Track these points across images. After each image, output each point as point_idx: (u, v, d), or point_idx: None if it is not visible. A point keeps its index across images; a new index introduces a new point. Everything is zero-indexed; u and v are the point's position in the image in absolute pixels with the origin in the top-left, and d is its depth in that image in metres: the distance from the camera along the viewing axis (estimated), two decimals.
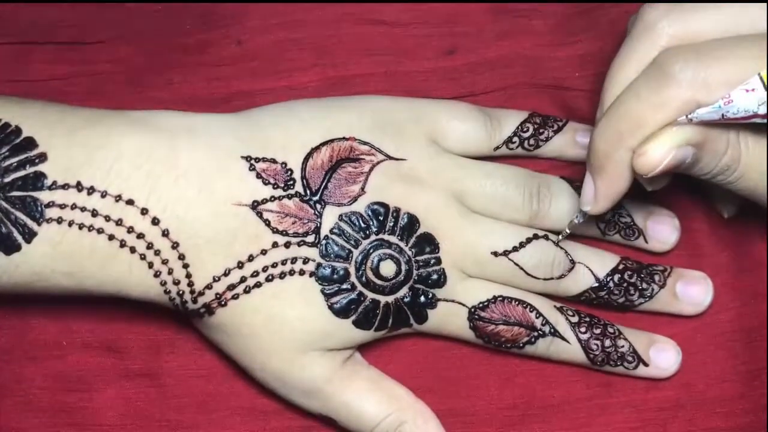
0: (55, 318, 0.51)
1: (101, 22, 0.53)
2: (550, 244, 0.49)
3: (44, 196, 0.44)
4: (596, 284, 0.49)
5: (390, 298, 0.47)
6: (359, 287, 0.47)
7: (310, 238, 0.46)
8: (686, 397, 0.51)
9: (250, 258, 0.46)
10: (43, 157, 0.44)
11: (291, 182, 0.46)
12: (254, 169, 0.46)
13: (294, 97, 0.51)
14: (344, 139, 0.47)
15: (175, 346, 0.51)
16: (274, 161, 0.46)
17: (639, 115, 0.42)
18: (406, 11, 0.54)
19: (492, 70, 0.54)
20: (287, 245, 0.46)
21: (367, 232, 0.47)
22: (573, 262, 0.49)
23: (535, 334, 0.49)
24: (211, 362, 0.50)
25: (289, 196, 0.46)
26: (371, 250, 0.47)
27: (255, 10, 0.53)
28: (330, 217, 0.46)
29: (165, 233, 0.45)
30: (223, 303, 0.46)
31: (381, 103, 0.50)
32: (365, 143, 0.48)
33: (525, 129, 0.51)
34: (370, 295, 0.47)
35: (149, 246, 0.45)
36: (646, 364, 0.50)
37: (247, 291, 0.46)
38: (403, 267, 0.47)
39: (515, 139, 0.51)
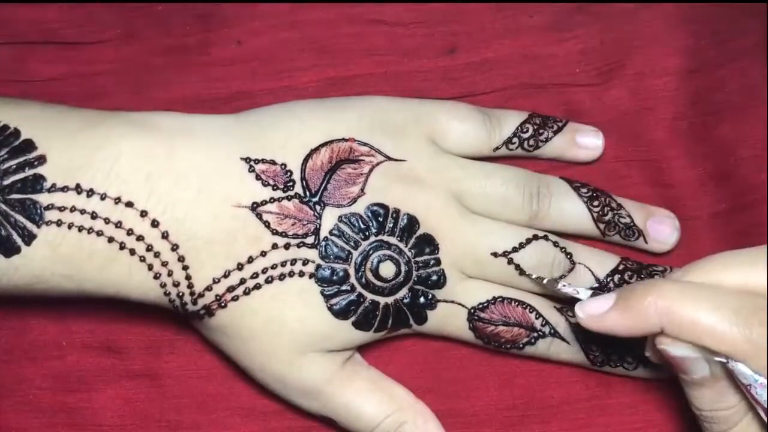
0: (54, 318, 0.51)
1: (101, 22, 0.53)
2: (549, 245, 0.49)
3: (43, 198, 0.44)
4: (596, 285, 0.49)
5: (390, 299, 0.47)
6: (359, 288, 0.47)
7: (310, 240, 0.46)
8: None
9: (250, 260, 0.46)
10: (42, 160, 0.44)
11: (290, 183, 0.46)
12: (254, 171, 0.46)
13: (294, 97, 0.51)
14: (344, 140, 0.47)
15: (174, 347, 0.51)
16: (273, 162, 0.46)
17: (689, 329, 0.40)
18: (406, 11, 0.54)
19: (492, 70, 0.54)
20: (287, 247, 0.46)
21: (367, 234, 0.47)
22: (573, 263, 0.49)
23: (535, 334, 0.49)
24: (211, 363, 0.51)
25: (289, 198, 0.46)
26: (371, 252, 0.47)
27: (255, 10, 0.53)
28: (329, 218, 0.46)
29: (165, 235, 0.45)
30: (222, 305, 0.46)
31: (381, 104, 0.50)
32: (365, 144, 0.48)
33: (525, 129, 0.51)
34: (370, 296, 0.47)
35: (149, 248, 0.45)
36: (645, 365, 0.50)
37: (246, 293, 0.46)
38: (403, 268, 0.47)
39: (515, 139, 0.51)
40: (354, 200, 0.47)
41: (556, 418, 0.51)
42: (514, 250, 0.49)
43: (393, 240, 0.47)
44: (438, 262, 0.48)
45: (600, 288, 0.49)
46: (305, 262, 0.46)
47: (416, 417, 0.49)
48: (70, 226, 0.44)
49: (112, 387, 0.51)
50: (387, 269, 0.47)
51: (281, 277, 0.46)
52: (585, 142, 0.52)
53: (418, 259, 0.47)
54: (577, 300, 0.45)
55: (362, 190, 0.47)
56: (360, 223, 0.47)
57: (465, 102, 0.52)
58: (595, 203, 0.50)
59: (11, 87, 0.52)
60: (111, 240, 0.44)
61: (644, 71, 0.53)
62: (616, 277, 0.49)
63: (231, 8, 0.53)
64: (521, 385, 0.51)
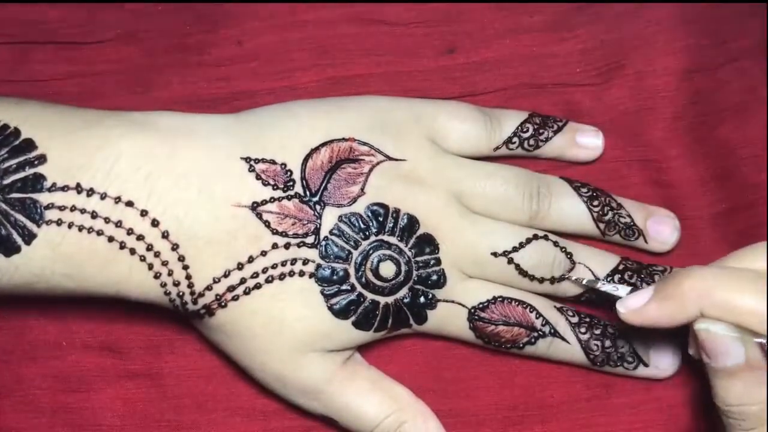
0: (54, 318, 0.51)
1: (101, 22, 0.53)
2: (550, 245, 0.49)
3: (44, 197, 0.44)
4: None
5: (390, 299, 0.47)
6: (359, 288, 0.47)
7: (310, 239, 0.46)
8: (686, 397, 0.51)
9: (250, 259, 0.46)
10: (42, 159, 0.44)
11: (291, 183, 0.46)
12: (254, 170, 0.46)
13: (294, 97, 0.51)
14: (344, 139, 0.47)
15: (174, 347, 0.51)
16: (273, 162, 0.46)
17: (730, 313, 0.41)
18: (406, 11, 0.54)
19: (492, 70, 0.54)
20: (287, 246, 0.46)
21: (367, 233, 0.47)
22: (573, 263, 0.49)
23: (535, 334, 0.49)
24: (211, 363, 0.51)
25: (289, 197, 0.46)
26: (371, 251, 0.47)
27: (255, 10, 0.53)
28: (329, 218, 0.46)
29: (165, 235, 0.45)
30: (223, 304, 0.46)
31: (381, 104, 0.50)
32: (365, 144, 0.48)
33: (525, 129, 0.51)
34: (370, 295, 0.47)
35: (149, 247, 0.45)
36: (646, 365, 0.50)
37: (246, 292, 0.46)
38: (403, 268, 0.47)
39: (515, 139, 0.51)
40: (354, 200, 0.47)
41: (556, 417, 0.51)
42: (514, 249, 0.49)
43: (393, 240, 0.47)
44: (438, 261, 0.48)
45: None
46: (305, 262, 0.46)
47: (416, 416, 0.49)
48: (70, 226, 0.44)
49: (112, 387, 0.51)
50: (387, 269, 0.47)
51: (281, 276, 0.46)
52: (585, 142, 0.52)
53: (418, 258, 0.47)
54: (614, 298, 0.46)
55: (362, 189, 0.47)
56: (360, 222, 0.47)
57: (465, 102, 0.52)
58: (595, 203, 0.50)
59: (11, 87, 0.52)
60: (111, 239, 0.44)
61: (644, 71, 0.53)
62: (617, 277, 0.49)
63: (231, 8, 0.53)
64: (521, 385, 0.51)
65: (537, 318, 0.49)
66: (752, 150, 0.52)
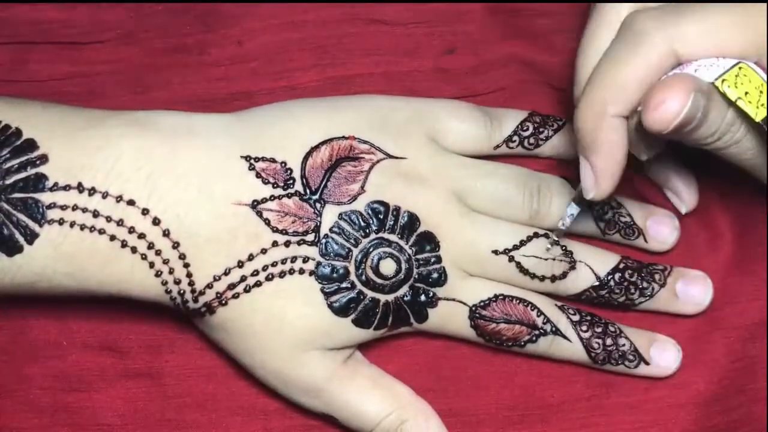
0: (55, 318, 0.51)
1: (101, 22, 0.53)
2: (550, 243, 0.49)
3: (45, 197, 0.44)
4: (597, 283, 0.49)
5: (390, 297, 0.47)
6: (359, 286, 0.47)
7: (310, 237, 0.46)
8: (686, 397, 0.51)
9: (251, 257, 0.46)
10: (44, 159, 0.44)
11: (291, 181, 0.46)
12: (254, 169, 0.46)
13: (294, 97, 0.51)
14: (344, 138, 0.47)
15: (175, 346, 0.51)
16: (273, 161, 0.46)
17: (622, 78, 0.42)
18: (406, 11, 0.54)
19: (492, 70, 0.54)
20: (287, 244, 0.46)
21: (367, 231, 0.47)
22: (573, 261, 0.49)
23: (537, 332, 0.49)
24: (212, 362, 0.50)
25: (289, 195, 0.46)
26: (371, 249, 0.47)
27: (255, 10, 0.53)
28: (330, 215, 0.46)
29: (166, 233, 0.45)
30: (223, 302, 0.46)
31: (381, 103, 0.50)
32: (365, 142, 0.48)
33: (525, 128, 0.51)
34: (370, 293, 0.47)
35: (150, 246, 0.45)
36: (647, 363, 0.50)
37: (247, 290, 0.46)
38: (403, 265, 0.47)
39: (515, 138, 0.51)
40: (354, 198, 0.47)
41: (556, 417, 0.51)
42: (515, 247, 0.49)
43: (393, 237, 0.47)
44: (439, 259, 0.48)
45: (601, 287, 0.49)
46: (305, 260, 0.46)
47: (417, 415, 0.49)
48: (72, 225, 0.44)
49: (113, 386, 0.50)
50: (387, 267, 0.47)
51: (282, 274, 0.46)
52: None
53: (418, 256, 0.47)
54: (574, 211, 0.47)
55: (362, 187, 0.47)
56: (360, 220, 0.47)
57: (465, 101, 0.52)
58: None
59: (11, 87, 0.52)
60: (113, 238, 0.44)
61: None
62: (617, 276, 0.50)
63: (231, 8, 0.53)
64: (522, 384, 0.51)
65: (538, 316, 0.49)
66: None
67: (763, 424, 0.50)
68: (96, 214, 0.44)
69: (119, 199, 0.44)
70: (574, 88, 0.46)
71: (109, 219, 0.44)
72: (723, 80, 0.40)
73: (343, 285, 0.46)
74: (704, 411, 0.51)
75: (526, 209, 0.50)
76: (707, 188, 0.52)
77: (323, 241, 0.46)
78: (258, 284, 0.46)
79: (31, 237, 0.44)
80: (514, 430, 0.51)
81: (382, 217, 0.47)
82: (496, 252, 0.48)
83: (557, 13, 0.54)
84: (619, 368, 0.50)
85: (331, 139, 0.47)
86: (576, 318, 0.49)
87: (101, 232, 0.44)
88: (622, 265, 0.50)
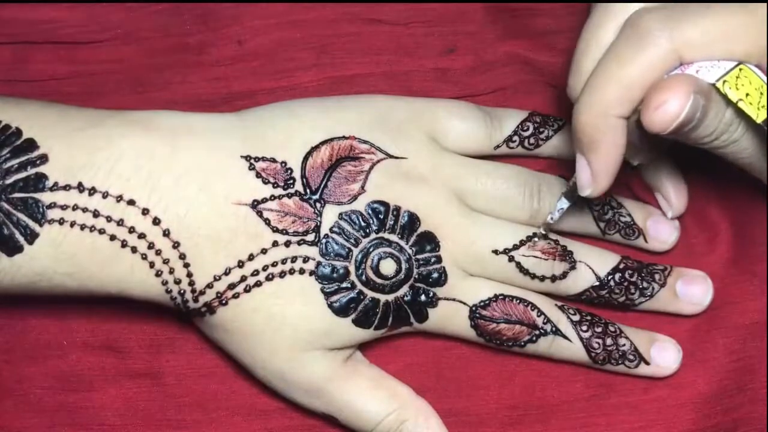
0: (55, 318, 0.51)
1: (101, 22, 0.53)
2: (550, 243, 0.49)
3: (46, 197, 0.44)
4: (597, 283, 0.49)
5: (390, 297, 0.47)
6: (359, 286, 0.47)
7: (310, 237, 0.46)
8: (686, 396, 0.51)
9: (251, 257, 0.46)
10: (44, 159, 0.44)
11: (291, 181, 0.46)
12: (254, 169, 0.46)
13: (294, 97, 0.51)
14: (344, 137, 0.47)
15: (175, 346, 0.51)
16: (273, 160, 0.46)
17: (627, 79, 0.41)
18: (406, 10, 0.54)
19: (492, 69, 0.54)
20: (287, 244, 0.46)
21: (367, 231, 0.47)
22: (573, 261, 0.49)
23: (537, 332, 0.49)
24: (212, 362, 0.50)
25: (289, 195, 0.46)
26: (371, 249, 0.47)
27: (255, 10, 0.53)
28: (330, 215, 0.46)
29: (166, 233, 0.45)
30: (224, 302, 0.46)
31: (381, 102, 0.50)
32: (365, 142, 0.48)
33: (525, 128, 0.51)
34: (370, 293, 0.47)
35: (150, 246, 0.45)
36: (647, 363, 0.50)
37: (247, 290, 0.46)
38: (404, 265, 0.47)
39: (515, 137, 0.51)
40: (354, 197, 0.47)
41: (556, 417, 0.51)
42: (515, 247, 0.49)
43: (394, 237, 0.47)
44: (439, 259, 0.48)
45: (601, 286, 0.49)
46: (306, 260, 0.46)
47: (418, 415, 0.49)
48: (72, 225, 0.44)
49: (113, 386, 0.50)
50: (387, 267, 0.47)
51: (282, 274, 0.46)
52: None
53: (418, 256, 0.47)
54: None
55: (363, 187, 0.47)
56: (360, 220, 0.47)
57: (465, 101, 0.52)
58: (596, 202, 0.50)
59: (11, 87, 0.52)
60: (113, 238, 0.44)
61: None
62: (617, 276, 0.50)
63: (231, 8, 0.53)
64: (522, 384, 0.51)
65: (538, 316, 0.49)
66: None
67: (763, 424, 0.50)
68: (96, 214, 0.44)
69: (119, 198, 0.44)
70: (570, 78, 0.45)
71: (109, 219, 0.44)
72: (724, 81, 0.40)
73: (344, 285, 0.46)
74: (704, 411, 0.51)
75: (526, 209, 0.50)
76: (706, 188, 0.53)
77: (323, 241, 0.46)
78: (258, 284, 0.46)
79: (32, 237, 0.44)
80: (514, 430, 0.51)
81: (382, 217, 0.47)
82: (496, 252, 0.48)
83: (557, 13, 0.54)
84: (619, 368, 0.50)
85: (331, 139, 0.47)
86: (576, 318, 0.49)
87: (101, 231, 0.44)
88: (622, 265, 0.50)
